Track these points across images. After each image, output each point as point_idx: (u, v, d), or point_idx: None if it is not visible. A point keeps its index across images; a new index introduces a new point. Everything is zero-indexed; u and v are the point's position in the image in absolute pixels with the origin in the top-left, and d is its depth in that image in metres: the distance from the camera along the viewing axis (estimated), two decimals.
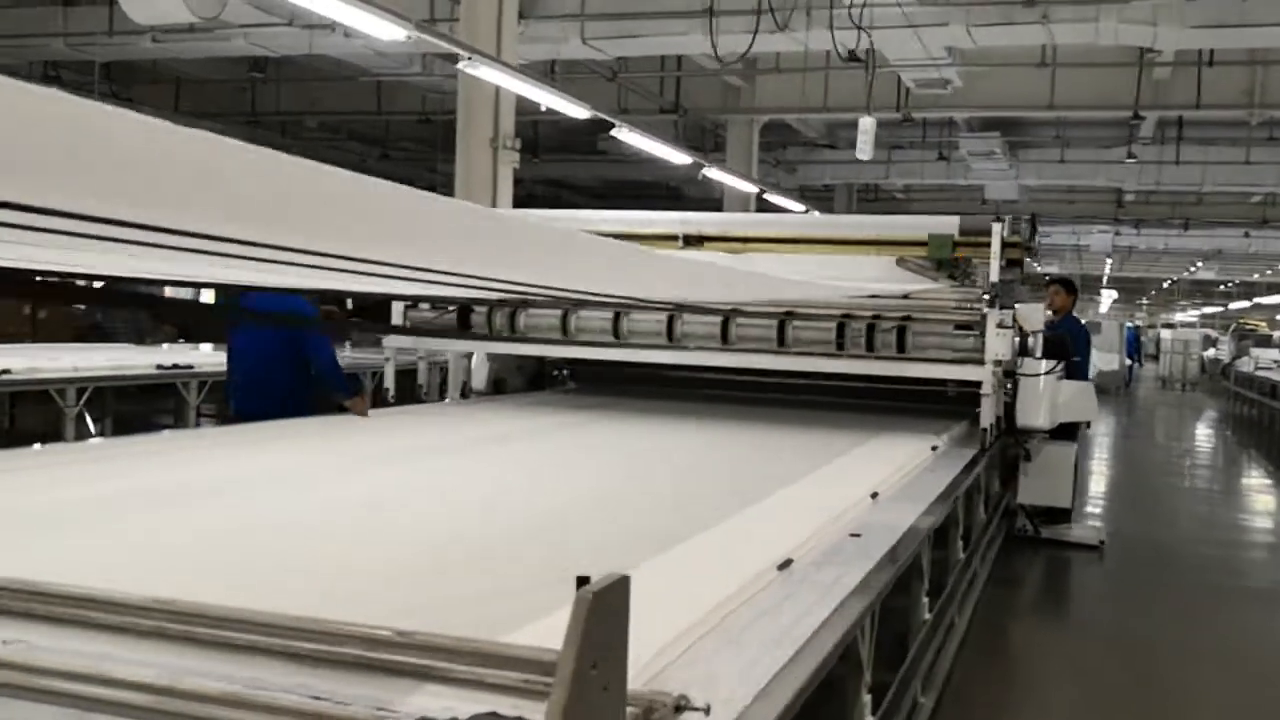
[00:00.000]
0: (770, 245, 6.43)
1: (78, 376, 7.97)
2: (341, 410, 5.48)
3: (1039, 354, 6.07)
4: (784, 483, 3.80)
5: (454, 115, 9.29)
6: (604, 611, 1.33)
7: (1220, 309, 48.37)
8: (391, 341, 6.43)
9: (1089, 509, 9.42)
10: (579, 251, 1.99)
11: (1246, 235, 23.52)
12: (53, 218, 1.01)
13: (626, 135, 10.05)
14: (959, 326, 5.63)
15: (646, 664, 1.79)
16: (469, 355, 6.80)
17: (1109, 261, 33.15)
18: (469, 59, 6.52)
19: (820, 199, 21.44)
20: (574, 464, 4.45)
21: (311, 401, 5.62)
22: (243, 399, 5.71)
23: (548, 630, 1.92)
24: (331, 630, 1.79)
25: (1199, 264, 32.60)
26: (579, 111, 8.82)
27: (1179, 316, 52.43)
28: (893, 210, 23.35)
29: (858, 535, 3.17)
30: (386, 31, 5.72)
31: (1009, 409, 6.25)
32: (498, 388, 6.85)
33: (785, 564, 2.67)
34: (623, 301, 3.59)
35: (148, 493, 3.32)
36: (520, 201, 10.33)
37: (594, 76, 13.00)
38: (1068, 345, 6.58)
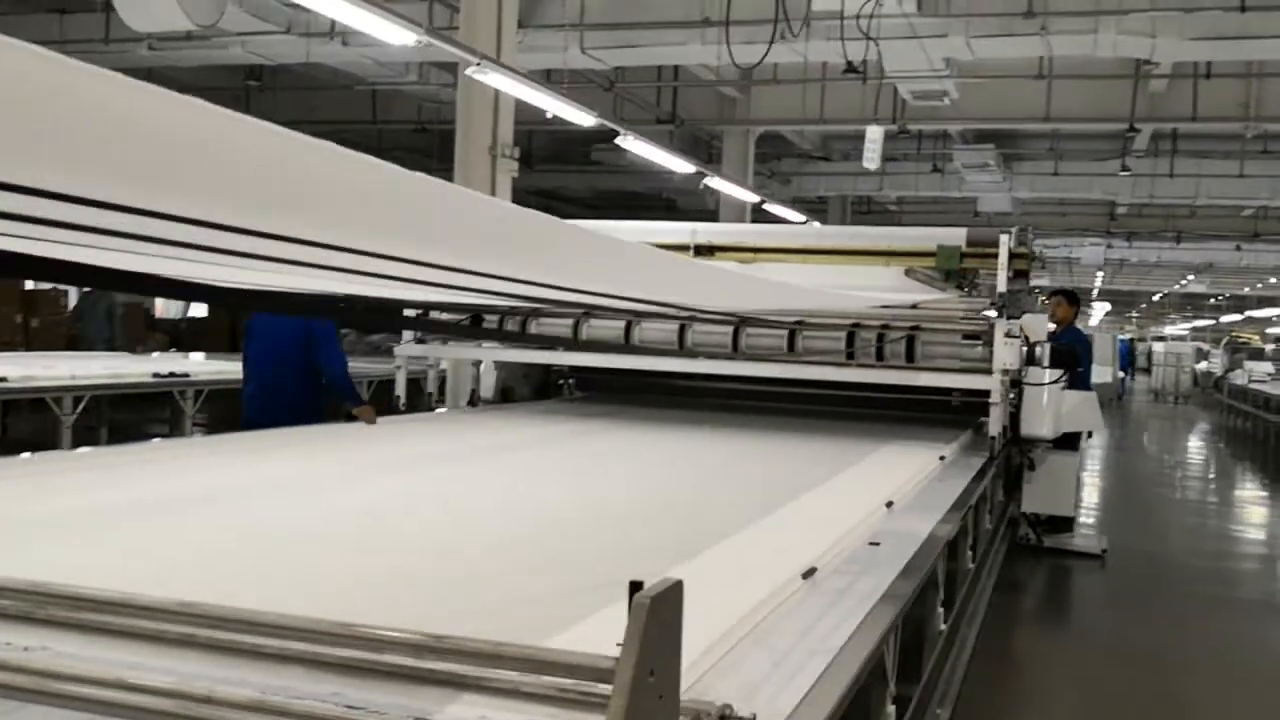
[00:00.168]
0: (781, 256, 6.46)
1: (74, 384, 7.90)
2: (350, 418, 5.54)
3: (1046, 364, 6.07)
4: (798, 491, 3.78)
5: (450, 124, 9.27)
6: (660, 617, 1.30)
7: (1211, 322, 48.54)
8: (403, 350, 6.45)
9: (1085, 520, 9.41)
10: (645, 262, 1.96)
11: (1238, 248, 23.60)
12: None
13: (632, 144, 10.05)
14: (967, 336, 5.63)
15: (684, 672, 1.75)
16: (477, 363, 6.78)
17: (1100, 274, 33.25)
18: (478, 64, 6.50)
19: (814, 211, 21.45)
20: (587, 472, 4.42)
21: (322, 410, 5.73)
22: (255, 407, 5.78)
23: (578, 637, 1.89)
24: (364, 635, 1.74)
25: (1190, 277, 32.71)
26: (585, 119, 8.81)
27: (1169, 329, 52.60)
28: (886, 222, 23.38)
29: (876, 544, 3.15)
30: (396, 36, 5.71)
31: (1013, 418, 6.25)
32: (505, 396, 6.85)
33: (809, 572, 2.63)
34: (686, 312, 3.58)
35: (161, 499, 3.28)
36: None
37: (591, 86, 13.00)
38: (1076, 355, 6.58)
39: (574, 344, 6.16)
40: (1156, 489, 13.12)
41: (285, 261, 1.47)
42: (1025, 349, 6.00)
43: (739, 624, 2.12)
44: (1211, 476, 14.90)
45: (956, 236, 6.13)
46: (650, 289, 2.59)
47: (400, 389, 6.55)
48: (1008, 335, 5.53)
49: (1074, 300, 8.74)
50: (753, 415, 6.40)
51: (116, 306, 15.76)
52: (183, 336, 16.03)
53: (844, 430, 5.85)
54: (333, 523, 3.13)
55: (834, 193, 21.00)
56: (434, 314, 6.33)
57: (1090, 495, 11.32)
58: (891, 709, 2.81)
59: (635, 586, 1.33)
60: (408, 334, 6.41)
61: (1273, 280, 30.92)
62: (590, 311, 5.50)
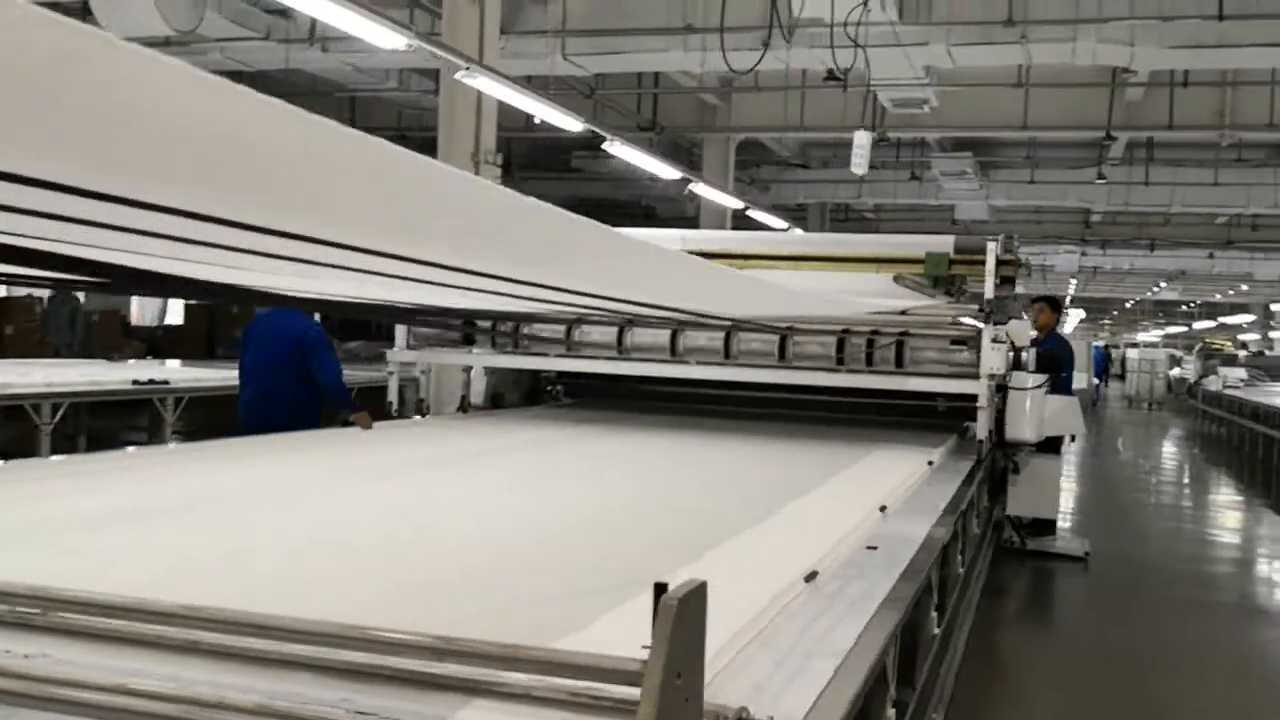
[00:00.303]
0: (771, 262, 6.46)
1: (52, 392, 7.81)
2: (346, 425, 5.61)
3: (1032, 368, 6.10)
4: (792, 496, 3.77)
5: (431, 131, 9.23)
6: (686, 619, 1.28)
7: (1184, 329, 48.97)
8: (395, 356, 6.45)
9: (1064, 525, 9.46)
10: (688, 271, 1.94)
11: (1211, 256, 23.83)
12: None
13: (619, 150, 10.04)
14: (955, 341, 5.65)
15: None
16: (468, 369, 6.76)
17: (1073, 282, 33.48)
18: (466, 69, 6.47)
19: (794, 218, 21.52)
20: (583, 476, 4.41)
21: (317, 416, 5.80)
22: (251, 413, 5.81)
23: (585, 640, 1.86)
24: (373, 638, 1.71)
25: (1162, 284, 33.00)
26: (573, 124, 8.79)
27: (1141, 336, 53.02)
28: (864, 229, 23.47)
29: (874, 548, 3.14)
30: (386, 40, 5.68)
31: (998, 422, 6.28)
32: (495, 402, 6.84)
33: (811, 576, 2.62)
34: (686, 316, 3.57)
35: (161, 504, 3.23)
36: None
37: (572, 93, 12.98)
38: (1059, 360, 6.62)
39: (567, 349, 6.15)
40: (1134, 494, 13.20)
41: (302, 261, 1.44)
42: (1010, 354, 6.04)
43: (746, 627, 2.10)
44: (1187, 481, 15.02)
45: (945, 244, 6.17)
46: (655, 291, 2.58)
47: (393, 395, 6.54)
48: (994, 341, 5.55)
49: (1056, 306, 8.79)
50: (743, 420, 6.40)
51: (80, 310, 15.61)
52: (159, 344, 15.89)
53: (834, 435, 5.85)
54: (332, 527, 3.10)
55: (813, 200, 21.08)
56: (422, 332, 6.37)
57: (1068, 501, 11.38)
58: (891, 713, 2.80)
59: (660, 588, 1.31)
60: (400, 340, 6.40)
61: (1244, 287, 31.24)
62: (584, 318, 5.49)
